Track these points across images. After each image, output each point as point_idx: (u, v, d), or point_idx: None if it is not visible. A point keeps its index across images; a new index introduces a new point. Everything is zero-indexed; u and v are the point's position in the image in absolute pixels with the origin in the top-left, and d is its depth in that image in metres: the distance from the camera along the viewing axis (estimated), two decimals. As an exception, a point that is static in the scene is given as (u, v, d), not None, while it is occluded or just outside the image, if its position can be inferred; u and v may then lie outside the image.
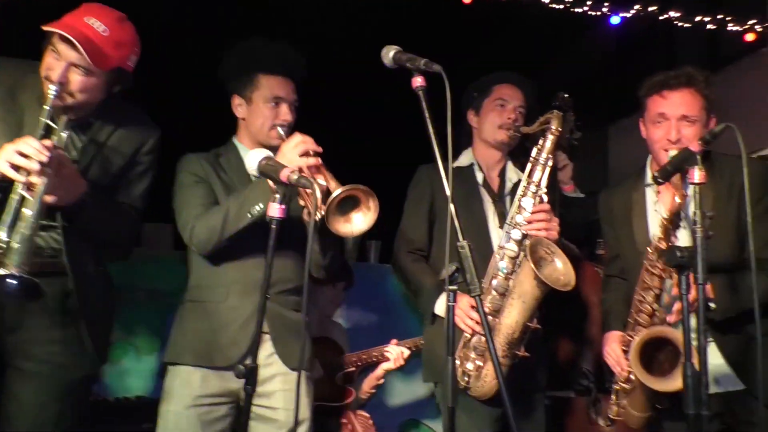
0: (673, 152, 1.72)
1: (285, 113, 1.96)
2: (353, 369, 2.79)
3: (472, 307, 1.96)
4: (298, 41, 2.07)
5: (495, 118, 2.24)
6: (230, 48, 2.02)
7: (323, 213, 1.55)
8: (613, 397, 2.01)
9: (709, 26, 5.27)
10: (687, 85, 1.93)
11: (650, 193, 2.04)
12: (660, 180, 1.61)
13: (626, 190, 2.12)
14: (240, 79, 1.98)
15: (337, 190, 1.57)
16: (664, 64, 7.07)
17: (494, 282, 2.03)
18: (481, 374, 1.96)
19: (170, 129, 2.00)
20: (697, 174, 1.48)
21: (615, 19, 5.19)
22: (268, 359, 1.91)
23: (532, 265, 1.83)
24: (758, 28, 5.26)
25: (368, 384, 2.79)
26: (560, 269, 1.93)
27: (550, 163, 2.06)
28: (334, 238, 1.90)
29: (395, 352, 2.73)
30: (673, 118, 1.89)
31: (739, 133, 1.48)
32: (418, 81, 1.57)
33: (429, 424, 3.54)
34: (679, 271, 1.46)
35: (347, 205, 1.62)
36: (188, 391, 1.87)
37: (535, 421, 2.18)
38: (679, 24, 5.26)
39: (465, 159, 2.34)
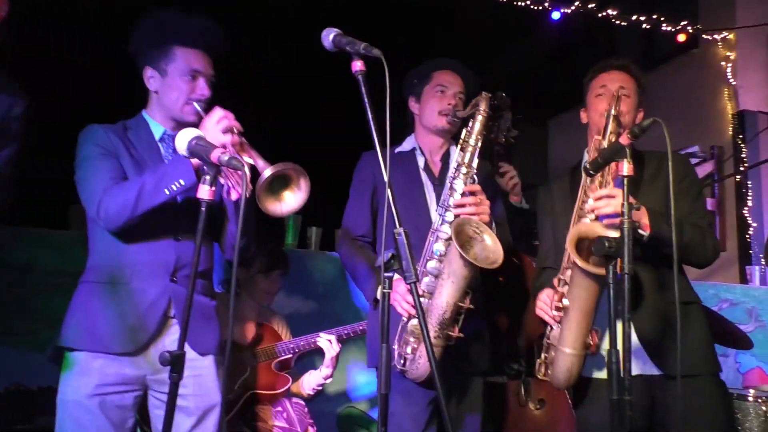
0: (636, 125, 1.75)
1: (202, 87, 1.87)
2: (290, 356, 2.77)
3: (409, 291, 1.96)
4: (232, 19, 2.01)
5: (435, 104, 2.26)
6: (144, 17, 1.90)
7: (251, 193, 1.51)
8: (542, 355, 1.99)
9: (644, 25, 5.47)
10: (625, 69, 2.14)
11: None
12: (591, 172, 1.66)
13: (564, 185, 2.17)
14: (154, 50, 1.88)
15: (267, 170, 1.54)
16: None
17: (429, 265, 2.04)
18: (416, 357, 1.98)
19: (70, 99, 1.89)
20: (625, 166, 1.53)
21: (556, 15, 5.32)
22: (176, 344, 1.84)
23: (457, 246, 1.83)
24: (690, 29, 5.50)
25: (315, 381, 2.76)
26: (489, 247, 1.96)
27: (479, 144, 2.08)
28: (252, 219, 1.87)
29: (329, 339, 2.72)
30: (612, 89, 2.03)
31: (665, 128, 1.53)
32: (357, 65, 1.56)
33: (367, 410, 3.56)
34: (607, 261, 1.50)
35: (277, 184, 1.59)
36: (88, 379, 1.76)
37: (472, 404, 2.21)
38: (617, 22, 5.43)
39: (407, 144, 2.36)
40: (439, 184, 2.25)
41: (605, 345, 1.64)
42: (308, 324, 3.52)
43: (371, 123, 1.53)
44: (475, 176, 2.07)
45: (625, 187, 1.51)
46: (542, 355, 2.01)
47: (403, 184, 2.24)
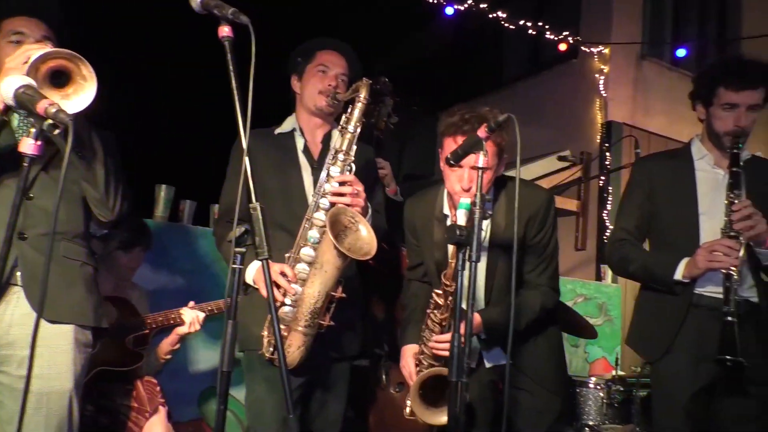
0: (464, 200, 1.66)
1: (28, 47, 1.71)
2: (147, 332, 2.64)
3: (282, 274, 1.93)
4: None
5: (316, 83, 2.19)
6: None
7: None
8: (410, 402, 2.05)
9: (530, 31, 5.73)
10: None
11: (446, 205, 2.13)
12: (452, 162, 1.70)
13: (428, 201, 2.19)
14: None
15: (37, 53, 1.45)
16: (492, 61, 7.63)
17: (303, 251, 2.00)
18: (285, 344, 1.92)
19: None
20: (481, 159, 1.58)
21: (449, 10, 5.44)
22: (19, 316, 1.67)
23: (331, 236, 1.81)
24: (570, 40, 5.84)
25: (162, 350, 2.65)
26: (364, 237, 1.94)
27: (358, 131, 2.04)
28: (119, 175, 1.76)
29: (190, 316, 2.62)
30: (466, 167, 1.87)
31: (516, 124, 1.61)
32: (224, 30, 1.50)
33: (231, 392, 3.49)
34: (457, 248, 1.56)
35: (60, 81, 1.50)
36: None
37: (338, 390, 2.21)
38: (506, 24, 5.65)
39: (287, 124, 2.28)
40: (317, 167, 2.18)
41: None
42: (174, 300, 3.36)
43: (235, 92, 1.47)
44: (352, 164, 2.03)
45: (479, 179, 1.57)
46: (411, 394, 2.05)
47: (281, 164, 2.18)
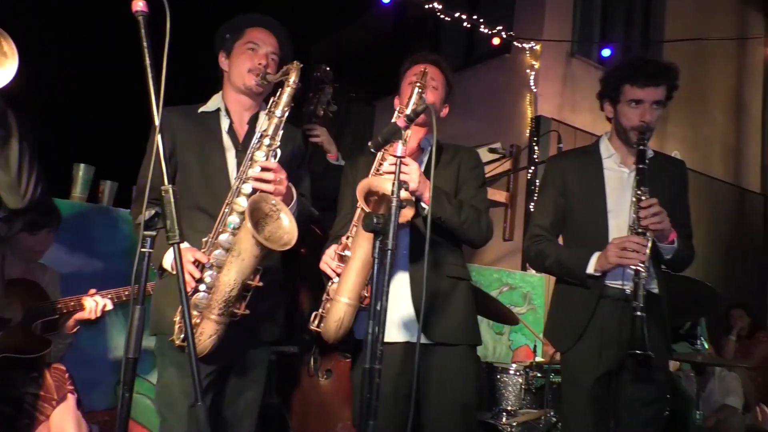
0: (412, 109, 1.89)
1: None
2: (57, 317, 2.53)
3: (195, 261, 1.89)
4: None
5: (245, 61, 2.11)
6: None
7: None
8: (320, 307, 2.04)
9: (465, 24, 5.81)
10: (436, 64, 2.24)
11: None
12: (373, 149, 1.71)
13: (369, 159, 2.17)
14: None
15: None
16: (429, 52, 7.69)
17: (221, 237, 1.95)
18: (197, 332, 1.88)
19: None
20: (400, 148, 1.59)
21: (386, -1, 5.43)
22: None
23: (249, 225, 1.77)
24: (504, 35, 5.95)
25: (60, 336, 2.54)
26: (285, 227, 1.89)
27: (285, 116, 1.99)
28: (34, 160, 1.66)
29: (91, 303, 2.53)
30: (431, 84, 2.16)
31: (434, 114, 1.63)
32: (139, 5, 1.45)
33: (146, 377, 3.40)
34: (375, 237, 1.56)
35: None
36: None
37: (255, 375, 2.17)
38: (441, 16, 5.69)
39: (213, 103, 2.20)
40: (242, 149, 2.11)
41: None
42: (92, 284, 3.25)
43: (149, 69, 1.42)
44: (278, 150, 1.99)
45: (398, 168, 1.58)
46: (320, 308, 2.04)
47: (203, 144, 2.10)
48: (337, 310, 1.95)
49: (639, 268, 2.07)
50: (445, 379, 2.09)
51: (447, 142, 2.30)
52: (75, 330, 2.58)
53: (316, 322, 2.03)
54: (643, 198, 2.11)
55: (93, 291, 2.60)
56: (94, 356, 3.33)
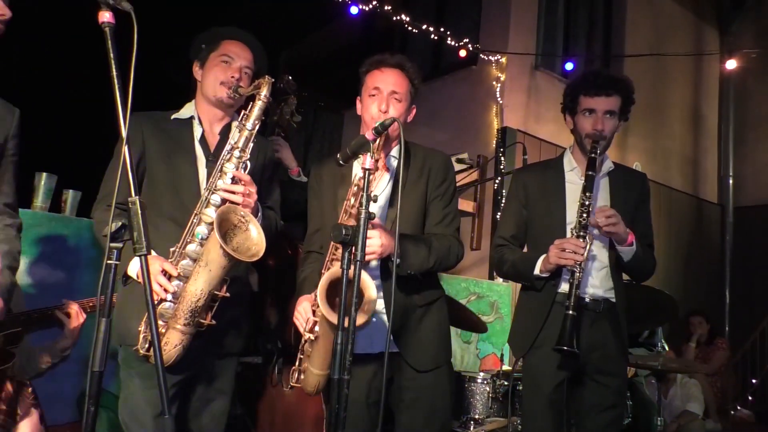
0: (379, 122, 1.84)
1: None
2: (19, 329, 2.46)
3: (163, 272, 1.88)
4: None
5: (218, 73, 2.12)
6: None
7: None
8: (297, 363, 2.08)
9: (432, 36, 5.88)
10: (399, 67, 2.15)
11: (357, 167, 2.12)
12: (341, 162, 1.73)
13: (334, 170, 2.20)
14: None
15: None
16: (397, 63, 7.76)
17: (189, 247, 1.94)
18: (162, 342, 1.86)
19: None
20: (368, 160, 1.62)
21: (354, 9, 5.47)
22: None
23: (218, 236, 1.77)
24: (470, 47, 6.04)
25: (52, 353, 2.47)
26: (253, 238, 1.90)
27: (256, 129, 2.00)
28: None
29: (73, 313, 2.48)
30: (385, 92, 2.08)
31: (401, 125, 1.66)
32: (105, 16, 1.44)
33: (109, 389, 3.34)
34: (344, 248, 1.58)
35: None
36: None
37: (222, 386, 2.17)
38: (409, 27, 5.76)
39: (186, 111, 2.20)
40: (212, 159, 2.11)
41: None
42: (54, 295, 3.17)
43: (115, 80, 1.42)
44: (248, 162, 1.99)
45: (366, 181, 1.60)
46: (296, 364, 2.07)
47: (174, 152, 2.10)
48: (312, 379, 2.00)
49: (574, 269, 2.16)
50: (420, 397, 2.11)
51: (416, 144, 2.25)
52: (66, 354, 2.49)
53: (296, 376, 2.06)
54: (586, 203, 2.20)
55: (65, 301, 2.54)
56: (55, 369, 3.25)
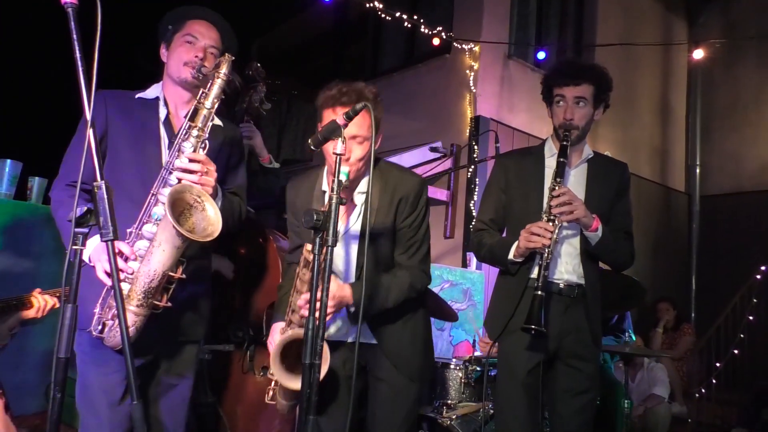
0: (345, 169, 1.73)
1: None
2: (-16, 319, 2.42)
3: (119, 253, 1.84)
4: None
5: (182, 54, 2.10)
6: None
7: None
8: (273, 382, 2.09)
9: (405, 24, 5.86)
10: (361, 106, 1.85)
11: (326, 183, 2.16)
12: (313, 147, 1.73)
13: (309, 180, 2.20)
14: None
15: None
16: (371, 50, 7.73)
17: (145, 227, 1.92)
18: (115, 324, 1.85)
19: None
20: (339, 145, 1.62)
21: (326, -4, 5.42)
22: None
23: (170, 214, 1.74)
24: (444, 35, 6.04)
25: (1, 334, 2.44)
26: (210, 218, 1.88)
27: (215, 108, 1.96)
28: None
29: (39, 300, 2.44)
30: (347, 136, 1.84)
31: (371, 112, 1.66)
32: (69, -4, 1.41)
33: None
34: (314, 233, 1.58)
35: None
36: None
37: (182, 373, 2.15)
38: (382, 15, 5.73)
39: (152, 92, 2.17)
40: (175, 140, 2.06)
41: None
42: (20, 284, 3.12)
43: (79, 62, 1.39)
44: (207, 141, 1.96)
45: (337, 166, 1.60)
46: (272, 383, 2.08)
47: (138, 133, 2.07)
48: (281, 407, 2.12)
49: (542, 251, 2.20)
50: (391, 392, 2.17)
51: (390, 166, 2.21)
52: (14, 331, 2.46)
53: (270, 394, 2.10)
54: (556, 188, 2.23)
55: (38, 290, 2.50)
56: (19, 359, 3.20)
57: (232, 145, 2.24)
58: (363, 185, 2.12)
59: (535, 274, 2.31)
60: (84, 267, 1.98)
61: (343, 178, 1.66)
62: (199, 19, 2.16)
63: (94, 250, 1.91)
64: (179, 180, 1.90)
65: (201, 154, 1.92)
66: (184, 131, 1.95)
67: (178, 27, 2.15)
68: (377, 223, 2.07)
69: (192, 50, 2.10)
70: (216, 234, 1.84)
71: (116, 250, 1.82)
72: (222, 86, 1.97)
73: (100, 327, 1.86)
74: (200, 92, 1.99)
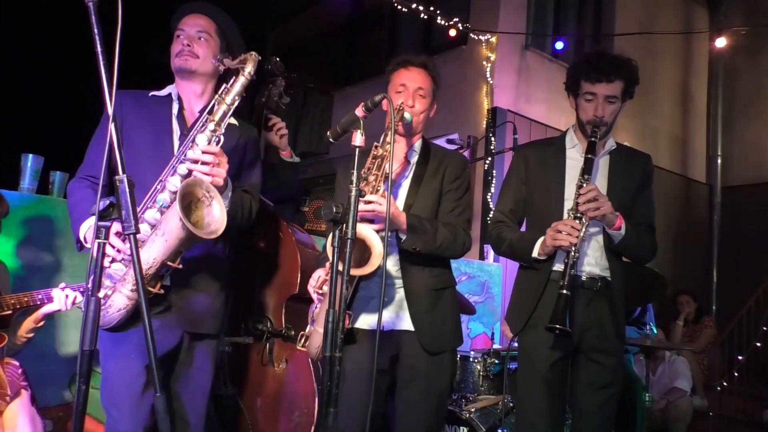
0: (408, 114, 2.11)
1: None
2: (8, 312, 2.46)
3: (118, 233, 1.85)
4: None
5: (175, 47, 2.16)
6: None
7: None
8: (308, 328, 2.11)
9: (422, 15, 5.83)
10: (424, 67, 2.27)
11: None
12: (332, 139, 1.72)
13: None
14: None
15: None
16: (386, 44, 7.70)
17: (148, 212, 1.92)
18: (107, 303, 1.85)
19: None
20: (358, 137, 1.61)
21: (342, -12, 5.40)
22: None
23: (179, 207, 1.74)
24: (460, 26, 6.00)
25: (24, 328, 2.48)
26: (214, 215, 1.88)
27: (234, 105, 1.97)
28: None
29: (60, 295, 2.48)
30: (411, 89, 2.22)
31: (390, 102, 1.66)
32: (89, -7, 1.41)
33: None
34: (334, 226, 1.57)
35: None
36: None
37: (202, 365, 2.16)
38: (398, 7, 5.70)
39: (165, 90, 2.21)
40: (187, 132, 2.07)
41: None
42: (43, 278, 3.17)
43: (100, 57, 1.40)
44: (221, 137, 1.96)
45: (356, 159, 1.60)
46: (307, 328, 2.10)
47: (152, 129, 2.10)
48: (317, 339, 2.01)
49: (569, 249, 2.17)
50: (424, 376, 2.17)
51: (437, 145, 2.39)
52: (41, 324, 2.51)
53: (303, 341, 2.12)
54: (584, 184, 2.19)
55: (63, 285, 2.54)
56: (43, 351, 3.24)
57: (247, 144, 2.26)
58: (417, 147, 2.31)
59: (556, 266, 2.29)
60: (83, 250, 2.02)
61: (407, 117, 2.00)
62: (190, 13, 2.21)
63: (89, 229, 1.94)
64: (190, 171, 1.91)
65: (215, 147, 1.92)
66: (201, 123, 1.96)
67: (175, 26, 2.22)
68: (424, 184, 2.22)
69: (180, 42, 2.15)
70: (219, 232, 1.84)
71: (116, 231, 1.84)
72: (245, 84, 1.98)
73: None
74: (222, 87, 2.00)
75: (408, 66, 2.27)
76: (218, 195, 1.88)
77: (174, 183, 1.89)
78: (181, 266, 1.88)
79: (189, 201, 1.82)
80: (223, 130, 1.95)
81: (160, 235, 1.80)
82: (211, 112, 1.96)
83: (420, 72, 2.26)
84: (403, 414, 2.18)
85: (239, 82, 1.98)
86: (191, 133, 1.96)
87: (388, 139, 2.01)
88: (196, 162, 1.90)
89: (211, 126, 1.93)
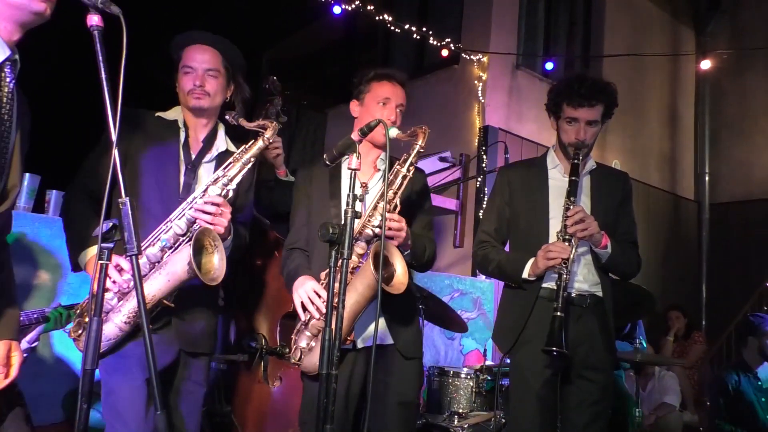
0: (393, 130, 2.07)
1: None
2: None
3: (117, 266, 1.91)
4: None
5: (185, 84, 2.18)
6: None
7: None
8: (306, 343, 2.11)
9: (415, 35, 5.92)
10: (403, 85, 2.35)
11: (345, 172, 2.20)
12: (328, 163, 1.77)
13: (324, 171, 2.27)
14: None
15: None
16: (380, 61, 7.80)
17: (149, 250, 1.98)
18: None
19: None
20: (354, 160, 1.66)
21: (337, 9, 5.49)
22: None
23: (191, 254, 1.82)
24: (452, 46, 6.10)
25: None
26: (215, 263, 1.97)
27: (249, 165, 2.07)
28: None
29: (57, 314, 2.49)
30: (394, 104, 2.28)
31: (386, 126, 1.70)
32: (94, 20, 1.46)
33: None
34: (330, 246, 1.62)
35: None
36: None
37: (195, 382, 2.19)
38: (392, 27, 5.79)
39: (172, 113, 2.25)
40: (191, 167, 2.17)
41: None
42: (38, 297, 3.18)
43: (104, 83, 1.44)
44: (232, 191, 2.06)
45: (352, 181, 1.64)
46: (304, 343, 2.10)
47: (159, 155, 2.14)
48: (315, 355, 2.02)
49: (561, 271, 2.21)
50: (397, 381, 2.18)
51: (396, 157, 2.36)
52: (35, 344, 2.52)
53: (298, 355, 2.10)
54: (571, 207, 2.25)
55: (58, 304, 2.56)
56: (39, 369, 3.24)
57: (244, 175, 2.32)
58: (381, 160, 2.31)
59: (545, 284, 2.33)
60: (79, 271, 2.06)
61: (393, 134, 1.97)
62: (194, 44, 2.23)
63: (88, 263, 2.00)
64: (194, 218, 1.99)
65: (219, 198, 2.01)
66: (215, 178, 2.05)
67: (179, 57, 2.24)
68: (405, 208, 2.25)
69: (190, 79, 2.18)
70: (218, 281, 1.93)
71: (116, 264, 1.89)
72: (262, 149, 2.09)
73: (80, 331, 1.95)
74: (241, 147, 2.11)
75: (392, 80, 2.32)
76: (221, 245, 1.96)
77: (180, 226, 1.97)
78: (173, 305, 1.95)
79: (196, 248, 1.88)
80: (234, 186, 2.05)
81: (163, 274, 1.87)
82: (226, 168, 2.06)
83: (401, 89, 2.33)
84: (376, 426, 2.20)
85: (257, 147, 2.08)
86: (205, 184, 2.04)
87: (412, 159, 2.14)
88: (200, 210, 1.99)
89: (223, 181, 2.04)
